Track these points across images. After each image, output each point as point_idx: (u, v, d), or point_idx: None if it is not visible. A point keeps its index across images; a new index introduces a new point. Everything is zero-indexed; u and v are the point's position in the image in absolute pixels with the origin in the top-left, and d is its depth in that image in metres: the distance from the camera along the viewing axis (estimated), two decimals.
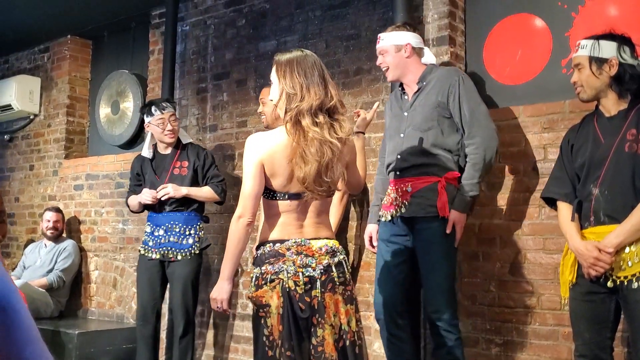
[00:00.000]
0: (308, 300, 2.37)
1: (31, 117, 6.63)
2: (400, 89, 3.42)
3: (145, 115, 4.37)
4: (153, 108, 4.30)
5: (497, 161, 3.56)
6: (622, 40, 2.70)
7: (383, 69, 3.38)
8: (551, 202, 2.94)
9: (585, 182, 2.72)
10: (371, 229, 3.51)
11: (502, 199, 3.56)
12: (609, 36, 2.71)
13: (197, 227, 4.30)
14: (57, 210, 5.76)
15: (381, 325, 3.37)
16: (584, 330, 2.70)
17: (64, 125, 6.31)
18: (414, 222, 3.19)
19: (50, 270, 5.44)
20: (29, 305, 4.38)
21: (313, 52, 2.54)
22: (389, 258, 3.32)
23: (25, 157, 6.69)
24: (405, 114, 3.31)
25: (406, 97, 3.36)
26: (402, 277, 3.32)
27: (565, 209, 2.81)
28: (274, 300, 2.37)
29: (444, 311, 3.12)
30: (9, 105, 6.43)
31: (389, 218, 3.28)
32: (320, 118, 2.37)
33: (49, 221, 5.62)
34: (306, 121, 2.34)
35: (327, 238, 2.50)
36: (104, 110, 6.10)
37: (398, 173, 3.27)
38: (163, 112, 4.28)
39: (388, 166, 3.36)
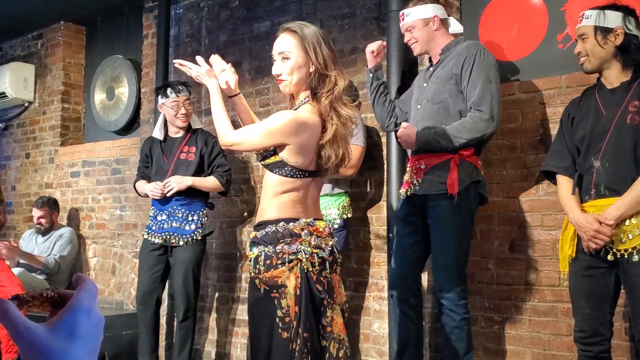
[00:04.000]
0: (323, 280, 2.36)
1: (26, 104, 6.60)
2: (429, 61, 3.40)
3: (160, 97, 4.29)
4: (169, 90, 4.23)
5: (495, 138, 3.53)
6: (627, 11, 2.69)
7: (411, 45, 3.31)
8: (550, 176, 2.92)
9: (586, 155, 2.70)
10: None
11: (500, 176, 3.53)
12: (614, 6, 2.70)
13: (201, 213, 4.25)
14: (42, 204, 5.58)
15: (393, 302, 3.39)
16: (584, 306, 2.69)
17: (59, 112, 6.28)
18: (427, 199, 3.16)
19: None
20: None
21: None
22: (404, 237, 3.32)
23: (21, 145, 6.66)
24: (425, 84, 3.28)
25: (431, 69, 3.32)
26: (417, 257, 3.31)
27: (565, 183, 2.79)
28: (291, 281, 2.31)
29: (449, 290, 3.10)
30: (3, 93, 6.40)
31: (405, 196, 3.26)
32: (345, 100, 2.42)
33: (34, 217, 5.56)
34: (339, 104, 2.38)
35: (322, 219, 2.52)
36: (99, 97, 6.06)
37: (414, 149, 3.25)
38: (178, 95, 4.21)
39: None
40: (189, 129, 4.35)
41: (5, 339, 4.25)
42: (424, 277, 3.67)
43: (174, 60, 2.70)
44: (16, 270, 4.88)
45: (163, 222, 4.23)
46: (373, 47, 3.46)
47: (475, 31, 3.82)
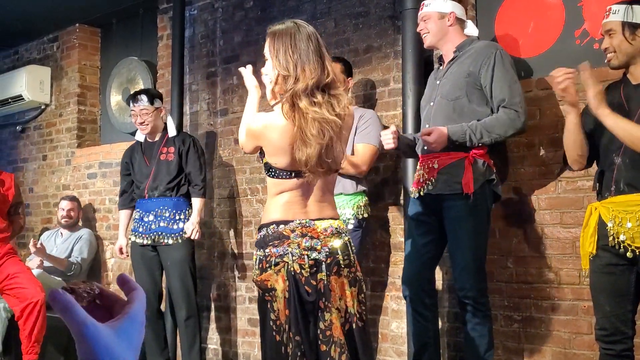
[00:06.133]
0: (314, 283, 2.33)
1: (42, 107, 6.64)
2: (439, 60, 3.41)
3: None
4: (130, 100, 4.44)
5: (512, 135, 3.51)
6: None
7: (423, 35, 3.34)
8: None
9: (607, 151, 2.68)
10: (389, 130, 3.28)
11: (518, 174, 3.51)
12: None
13: (187, 212, 4.34)
14: (72, 199, 5.75)
15: (407, 303, 3.38)
16: (605, 303, 2.67)
17: (75, 114, 6.31)
18: (441, 199, 3.15)
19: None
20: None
21: (321, 31, 2.48)
22: (417, 237, 3.31)
23: (38, 147, 6.70)
24: (438, 82, 3.28)
25: (442, 67, 3.33)
26: (430, 257, 3.31)
27: None
28: (279, 284, 2.32)
29: (470, 289, 3.10)
30: (20, 95, 6.44)
31: (417, 195, 3.25)
32: (318, 97, 2.29)
33: (63, 210, 5.64)
34: (303, 103, 2.26)
35: (331, 218, 2.45)
36: (114, 98, 6.09)
37: (425, 147, 3.22)
38: (135, 105, 4.37)
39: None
40: (166, 133, 4.46)
41: (26, 341, 4.29)
42: (440, 276, 3.66)
43: (240, 69, 2.73)
44: (35, 272, 4.91)
45: (150, 222, 4.31)
46: (389, 145, 3.27)
47: (491, 28, 3.79)
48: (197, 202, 4.34)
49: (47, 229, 6.26)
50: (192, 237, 4.27)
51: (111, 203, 5.85)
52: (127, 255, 4.42)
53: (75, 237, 5.57)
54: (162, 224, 4.27)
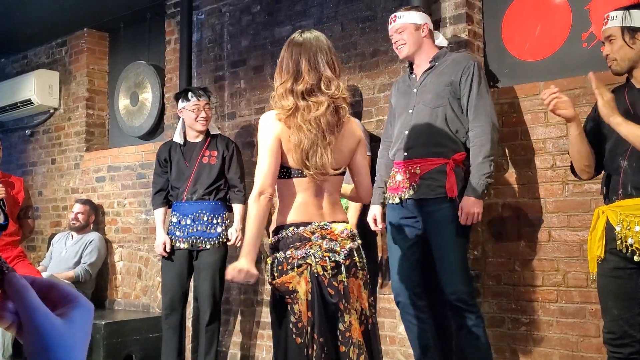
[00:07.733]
0: (336, 285, 2.34)
1: (51, 111, 6.68)
2: (408, 69, 3.45)
3: (180, 101, 4.35)
4: (190, 94, 4.31)
5: (520, 139, 3.52)
6: None
7: (398, 46, 3.36)
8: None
9: (613, 155, 2.68)
10: (375, 210, 3.49)
11: (525, 177, 3.52)
12: (639, 6, 2.67)
13: (224, 215, 4.30)
14: (84, 202, 5.79)
15: (400, 308, 3.39)
16: (612, 307, 2.67)
17: (84, 118, 6.35)
18: (424, 204, 3.19)
19: (77, 263, 5.47)
20: None
21: (328, 35, 2.52)
22: (400, 241, 3.33)
23: (47, 151, 6.74)
24: (415, 90, 3.32)
25: (414, 76, 3.38)
26: (416, 259, 3.33)
27: None
28: (302, 286, 2.32)
29: (461, 292, 3.13)
30: (29, 100, 6.49)
31: (397, 201, 3.27)
32: (300, 102, 2.37)
33: (73, 212, 5.69)
34: (285, 102, 2.40)
35: (343, 221, 2.49)
36: (123, 102, 6.12)
37: (406, 154, 3.26)
38: (199, 99, 4.28)
39: (394, 145, 3.36)
40: (207, 135, 4.39)
41: None
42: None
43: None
44: (44, 275, 4.95)
45: (188, 226, 4.24)
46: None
47: (498, 32, 3.80)
48: (239, 209, 4.30)
49: (56, 232, 6.29)
50: (237, 245, 4.25)
51: (119, 206, 5.88)
52: (167, 253, 4.31)
53: (86, 241, 5.60)
54: (200, 228, 4.23)
